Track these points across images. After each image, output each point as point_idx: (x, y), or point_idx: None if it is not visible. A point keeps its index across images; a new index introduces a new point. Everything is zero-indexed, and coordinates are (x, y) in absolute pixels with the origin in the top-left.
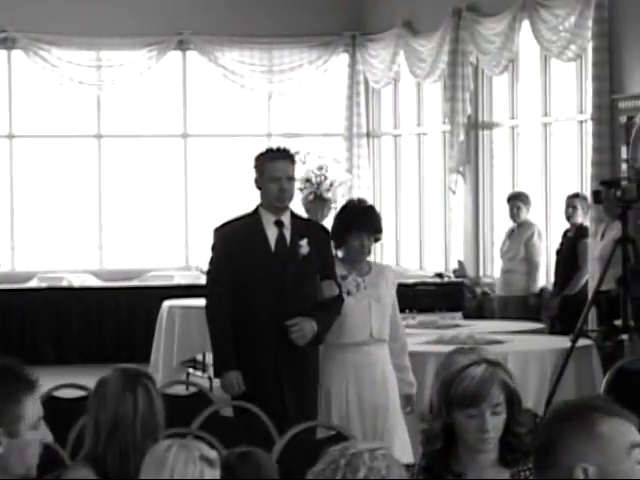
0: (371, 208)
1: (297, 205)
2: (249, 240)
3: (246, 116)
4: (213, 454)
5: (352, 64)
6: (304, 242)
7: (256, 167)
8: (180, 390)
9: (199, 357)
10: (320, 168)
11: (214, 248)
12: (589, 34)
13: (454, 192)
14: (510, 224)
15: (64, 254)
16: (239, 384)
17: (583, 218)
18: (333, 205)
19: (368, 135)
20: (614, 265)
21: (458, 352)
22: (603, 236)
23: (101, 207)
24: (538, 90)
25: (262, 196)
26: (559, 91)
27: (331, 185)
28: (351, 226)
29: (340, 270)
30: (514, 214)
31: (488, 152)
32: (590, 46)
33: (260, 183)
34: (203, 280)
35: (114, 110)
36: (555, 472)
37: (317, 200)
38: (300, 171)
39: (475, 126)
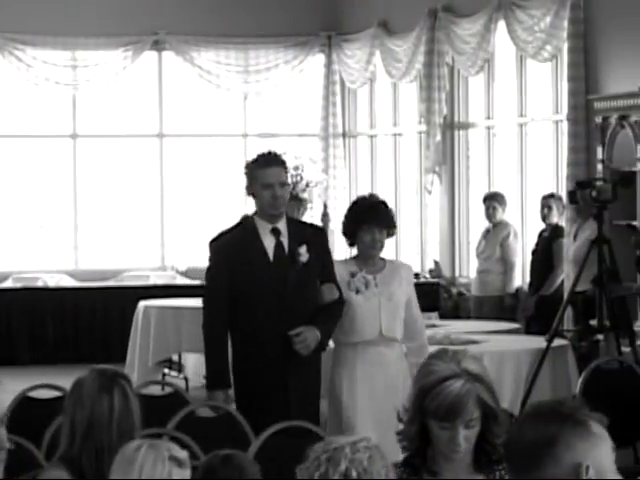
0: (382, 202)
1: None
2: (246, 250)
3: (222, 116)
4: (183, 454)
5: (328, 64)
6: (303, 249)
7: (247, 174)
8: (156, 390)
9: (175, 357)
10: (296, 168)
11: (210, 261)
12: (565, 35)
13: (430, 192)
14: (486, 224)
15: (39, 254)
16: (226, 403)
17: (558, 218)
18: (309, 205)
19: (344, 135)
20: (589, 266)
21: (438, 357)
22: (576, 237)
23: (76, 207)
24: (514, 90)
25: (256, 204)
26: (535, 91)
27: (307, 185)
28: (361, 221)
29: (351, 267)
30: (490, 214)
31: (464, 152)
32: (566, 46)
33: (252, 191)
34: (179, 280)
35: (90, 110)
36: (557, 469)
37: (293, 200)
38: None
39: (451, 126)
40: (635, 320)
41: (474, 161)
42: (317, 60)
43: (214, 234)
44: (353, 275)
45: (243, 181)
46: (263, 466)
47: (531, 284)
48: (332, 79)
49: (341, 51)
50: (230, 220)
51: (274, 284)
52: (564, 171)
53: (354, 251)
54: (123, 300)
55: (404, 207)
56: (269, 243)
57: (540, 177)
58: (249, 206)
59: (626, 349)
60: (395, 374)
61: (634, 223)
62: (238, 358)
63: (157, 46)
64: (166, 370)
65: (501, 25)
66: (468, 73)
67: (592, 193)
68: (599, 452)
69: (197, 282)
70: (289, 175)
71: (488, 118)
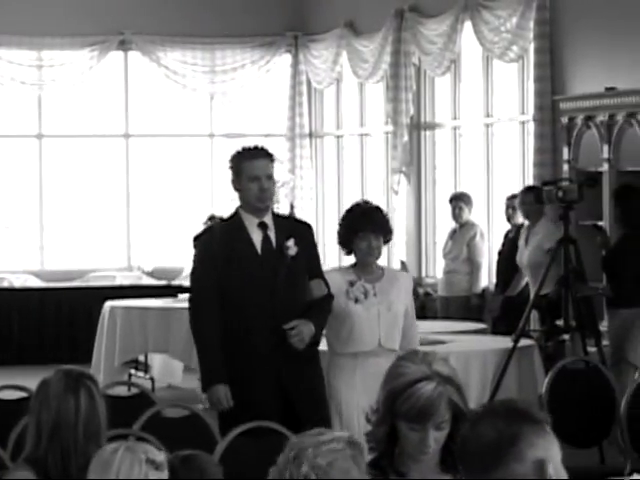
0: (376, 208)
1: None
2: (233, 246)
3: (188, 116)
4: (160, 457)
5: (294, 64)
6: (291, 242)
7: (232, 168)
8: (122, 391)
9: (141, 358)
10: None
11: (196, 258)
12: (531, 35)
13: (397, 193)
14: (452, 225)
15: (5, 255)
16: (227, 398)
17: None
18: (276, 205)
19: (311, 135)
20: (554, 266)
21: (408, 359)
22: (527, 242)
23: (42, 207)
24: (480, 91)
25: (241, 198)
26: (501, 92)
27: None
28: (356, 228)
29: (349, 276)
30: (456, 215)
31: (430, 153)
32: (532, 47)
33: (238, 185)
34: (145, 280)
35: (55, 110)
36: (520, 466)
37: None
38: None
39: (418, 127)
40: (601, 320)
41: (441, 161)
42: (284, 60)
43: (181, 235)
44: (352, 284)
45: (216, 179)
46: (231, 467)
47: (497, 284)
48: (299, 79)
49: (308, 51)
50: (197, 220)
51: (264, 279)
52: (530, 171)
53: (350, 259)
54: (89, 300)
55: None
56: (256, 237)
57: (506, 177)
58: (216, 206)
59: (592, 349)
60: None
61: (600, 223)
62: (229, 358)
63: (123, 46)
64: (132, 371)
65: (467, 26)
66: (435, 73)
67: (558, 193)
68: (554, 450)
69: (163, 282)
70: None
71: (454, 118)
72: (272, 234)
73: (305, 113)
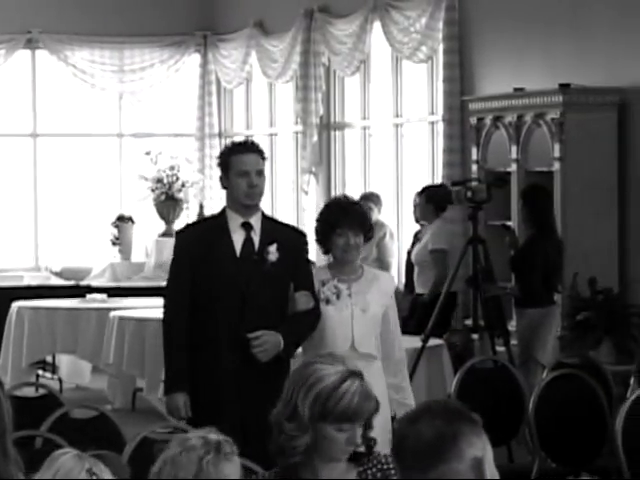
0: (355, 203)
1: (149, 206)
2: (213, 244)
3: (97, 116)
4: (104, 476)
5: (204, 64)
6: (273, 248)
7: (220, 164)
8: (29, 392)
9: (48, 359)
10: (172, 168)
11: (174, 254)
12: (440, 36)
13: (306, 192)
14: None
15: None
16: (186, 408)
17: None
18: (185, 206)
19: (220, 135)
20: (462, 266)
21: (320, 362)
22: (419, 240)
23: None
24: (390, 91)
25: (228, 196)
26: (410, 92)
27: (183, 185)
28: (334, 225)
29: (323, 275)
30: None
31: (340, 153)
32: (441, 48)
33: (226, 181)
34: (53, 281)
35: None
36: (461, 465)
37: (168, 201)
38: (151, 171)
39: (327, 127)
40: (509, 320)
41: (350, 161)
42: (193, 60)
43: (89, 235)
44: (324, 283)
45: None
46: (140, 468)
47: (406, 284)
48: (208, 79)
49: (217, 51)
50: (105, 220)
51: (237, 282)
52: (439, 172)
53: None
54: None
55: (280, 207)
56: (238, 238)
57: (416, 178)
58: (125, 206)
59: (500, 348)
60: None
61: (508, 223)
62: (190, 365)
63: (30, 45)
64: (40, 371)
65: (377, 26)
66: (344, 73)
67: (467, 193)
68: (488, 449)
69: (72, 283)
70: (164, 175)
71: (364, 118)
72: (256, 237)
73: (215, 113)
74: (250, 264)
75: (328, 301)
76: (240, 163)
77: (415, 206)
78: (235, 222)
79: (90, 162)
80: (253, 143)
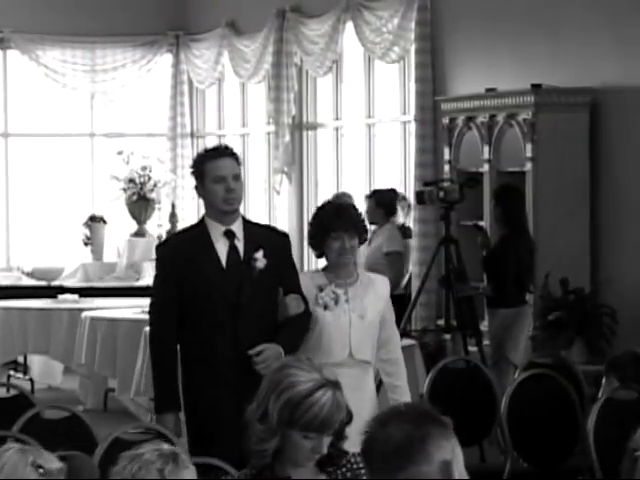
0: (350, 205)
1: (121, 206)
2: (196, 256)
3: (68, 116)
4: (52, 465)
5: (176, 64)
6: (259, 254)
7: (194, 173)
8: (0, 392)
9: (20, 359)
10: (144, 168)
11: (156, 269)
12: (412, 36)
13: (279, 192)
14: None
15: None
16: (177, 429)
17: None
18: (157, 206)
19: (192, 135)
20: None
21: (297, 367)
22: (370, 242)
23: None
24: (362, 91)
25: (206, 204)
26: (383, 92)
27: (155, 185)
28: (328, 227)
29: (319, 280)
30: None
31: (312, 153)
32: (413, 48)
33: (202, 190)
34: (25, 281)
35: None
36: (429, 467)
37: (140, 201)
38: (123, 171)
39: (300, 127)
40: (482, 320)
41: (323, 161)
42: (165, 60)
43: (61, 235)
44: (321, 289)
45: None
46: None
47: None
48: (180, 79)
49: (189, 51)
50: (77, 220)
51: (228, 294)
52: (412, 172)
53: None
54: None
55: (252, 207)
56: (222, 248)
57: (388, 178)
58: (97, 206)
59: (473, 348)
60: (367, 400)
61: (481, 223)
62: (187, 383)
63: (2, 44)
64: (11, 372)
65: (349, 26)
66: (316, 74)
67: (439, 194)
68: (458, 452)
69: (43, 283)
70: (136, 175)
71: (336, 119)
72: (240, 244)
73: (187, 113)
74: (238, 274)
75: (326, 307)
76: (215, 169)
77: (366, 211)
78: (217, 231)
79: (62, 162)
80: (227, 147)
